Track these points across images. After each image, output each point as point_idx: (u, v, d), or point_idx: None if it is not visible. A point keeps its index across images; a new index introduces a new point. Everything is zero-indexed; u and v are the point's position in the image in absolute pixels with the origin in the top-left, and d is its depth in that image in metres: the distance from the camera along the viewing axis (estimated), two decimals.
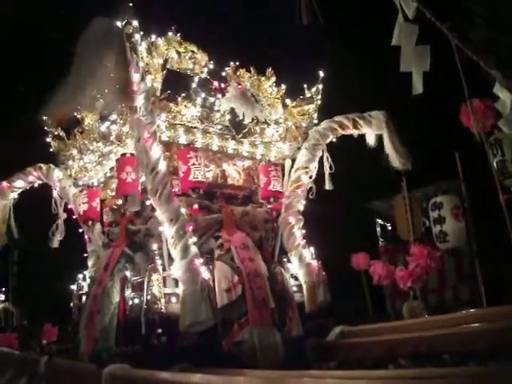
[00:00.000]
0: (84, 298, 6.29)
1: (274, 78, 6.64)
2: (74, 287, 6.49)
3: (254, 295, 5.25)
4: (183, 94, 5.65)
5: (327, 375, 4.17)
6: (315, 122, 6.59)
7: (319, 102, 6.63)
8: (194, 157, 5.51)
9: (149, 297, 5.02)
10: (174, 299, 5.04)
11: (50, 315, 10.54)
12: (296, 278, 5.97)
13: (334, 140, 6.42)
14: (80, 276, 6.53)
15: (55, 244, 6.86)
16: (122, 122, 5.74)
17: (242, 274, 5.32)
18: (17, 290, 12.07)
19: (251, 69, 6.71)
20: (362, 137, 6.35)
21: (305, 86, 6.64)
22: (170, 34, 6.28)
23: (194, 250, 5.09)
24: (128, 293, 5.36)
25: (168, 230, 5.14)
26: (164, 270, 5.15)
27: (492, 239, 8.78)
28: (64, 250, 7.04)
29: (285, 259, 6.04)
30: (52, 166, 6.78)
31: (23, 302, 12.23)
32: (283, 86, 6.62)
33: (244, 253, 5.52)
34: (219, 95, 6.01)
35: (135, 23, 5.45)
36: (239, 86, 6.10)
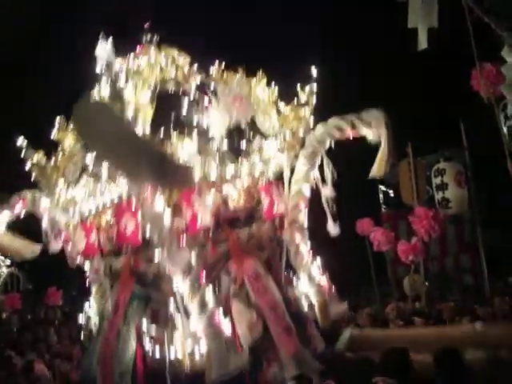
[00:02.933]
0: (94, 330, 6.03)
1: (264, 80, 6.02)
2: (82, 318, 6.18)
3: (275, 329, 5.11)
4: (175, 133, 5.06)
5: None
6: (311, 125, 6.09)
7: (314, 101, 6.07)
8: (198, 199, 5.07)
9: (172, 356, 4.83)
10: (197, 354, 4.84)
11: (55, 279, 10.31)
12: (306, 296, 5.81)
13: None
14: (87, 306, 6.20)
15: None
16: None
17: (260, 310, 5.13)
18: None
19: (239, 69, 6.06)
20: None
21: (298, 86, 6.06)
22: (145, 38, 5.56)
23: (211, 302, 4.83)
24: (147, 344, 5.12)
25: (182, 284, 4.84)
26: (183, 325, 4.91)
27: (495, 207, 8.69)
28: None
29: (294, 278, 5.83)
30: (38, 193, 6.15)
31: (29, 267, 11.92)
32: (276, 88, 6.03)
33: (257, 284, 5.30)
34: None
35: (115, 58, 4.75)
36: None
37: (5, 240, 6.20)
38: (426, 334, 5.74)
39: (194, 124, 5.35)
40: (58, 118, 6.00)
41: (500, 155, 6.31)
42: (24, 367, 6.31)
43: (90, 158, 5.57)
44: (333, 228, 6.05)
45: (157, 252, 5.01)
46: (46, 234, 6.20)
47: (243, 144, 5.55)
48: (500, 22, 5.62)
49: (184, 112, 5.40)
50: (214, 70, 6.07)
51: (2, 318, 9.64)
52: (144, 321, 5.20)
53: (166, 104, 5.42)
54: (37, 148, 6.12)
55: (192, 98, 5.53)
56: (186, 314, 4.92)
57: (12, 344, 7.71)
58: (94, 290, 6.17)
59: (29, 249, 6.19)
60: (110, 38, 4.74)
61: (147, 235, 5.01)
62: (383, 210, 10.03)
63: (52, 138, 6.05)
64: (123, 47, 5.81)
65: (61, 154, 6.03)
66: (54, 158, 6.07)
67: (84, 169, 5.69)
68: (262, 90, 6.03)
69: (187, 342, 4.85)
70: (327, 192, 5.92)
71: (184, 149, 5.10)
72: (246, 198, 5.92)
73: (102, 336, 5.47)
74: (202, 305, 4.78)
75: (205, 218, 5.05)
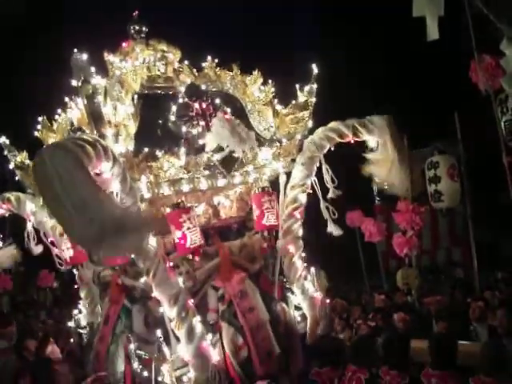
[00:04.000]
0: (84, 336, 5.87)
1: (260, 80, 5.53)
2: (71, 324, 6.00)
3: (259, 352, 4.93)
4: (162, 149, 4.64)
5: None
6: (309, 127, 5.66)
7: (314, 101, 5.60)
8: (188, 220, 4.72)
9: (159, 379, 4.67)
10: (185, 379, 4.66)
11: (47, 261, 10.18)
12: (299, 308, 5.59)
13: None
14: (75, 311, 6.01)
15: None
16: None
17: (245, 333, 4.93)
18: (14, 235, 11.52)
19: (233, 67, 5.56)
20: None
21: (296, 86, 5.58)
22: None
23: (199, 330, 4.60)
24: (135, 365, 4.95)
25: (169, 311, 4.59)
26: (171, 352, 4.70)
27: (488, 202, 8.46)
28: None
29: (288, 292, 5.58)
30: (22, 195, 5.82)
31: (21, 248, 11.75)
32: (272, 89, 5.54)
33: (243, 303, 5.07)
34: (200, 128, 4.96)
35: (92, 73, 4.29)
36: (226, 117, 5.01)
37: None
38: None
39: (183, 134, 4.90)
40: (40, 117, 5.55)
41: (495, 149, 6.02)
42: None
43: None
44: (334, 230, 5.75)
45: (143, 278, 4.73)
46: (27, 237, 5.94)
47: (236, 156, 5.09)
48: (499, 14, 5.26)
49: (172, 118, 4.95)
50: (206, 65, 5.58)
51: None
52: (131, 346, 4.99)
53: (153, 110, 4.97)
54: (20, 147, 5.73)
55: (182, 101, 5.04)
56: (175, 338, 4.69)
57: None
58: (82, 294, 5.95)
59: (9, 257, 5.93)
60: (85, 55, 4.20)
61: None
62: (377, 202, 9.74)
63: (35, 136, 5.61)
64: (107, 46, 5.33)
65: None
66: None
67: None
68: (258, 89, 5.56)
69: (175, 367, 4.66)
70: (331, 195, 5.60)
71: (171, 164, 4.70)
72: (238, 206, 5.59)
73: (93, 349, 5.30)
74: (190, 333, 4.54)
75: (194, 240, 4.72)
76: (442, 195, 7.69)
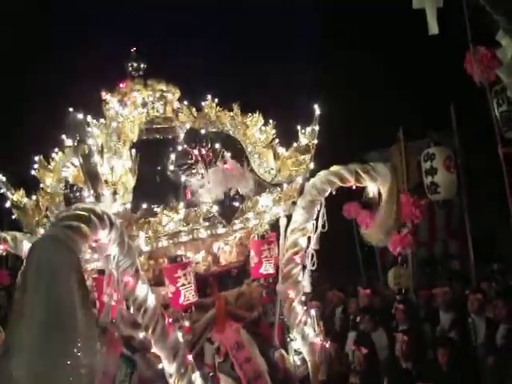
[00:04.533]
0: None
1: (261, 121, 5.39)
2: None
3: None
4: (161, 206, 4.51)
5: None
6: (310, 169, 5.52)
7: (315, 143, 5.46)
8: (183, 276, 4.60)
9: None
10: None
11: None
12: (299, 353, 5.52)
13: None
14: None
15: None
16: None
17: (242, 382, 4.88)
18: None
19: (234, 107, 5.41)
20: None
21: (298, 127, 5.44)
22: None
23: None
24: None
25: (168, 367, 4.51)
26: None
27: (484, 193, 8.43)
28: None
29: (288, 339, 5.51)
30: (18, 234, 5.69)
31: None
32: (273, 130, 5.40)
33: (239, 355, 5.02)
34: (200, 177, 4.83)
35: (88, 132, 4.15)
36: (226, 166, 4.88)
37: None
38: None
39: (182, 183, 4.78)
40: (36, 157, 5.42)
41: (491, 140, 6.00)
42: None
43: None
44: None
45: (142, 334, 4.63)
46: None
47: (236, 205, 4.97)
48: (496, 5, 5.15)
49: (171, 167, 4.82)
50: (206, 105, 5.43)
51: None
52: None
53: (151, 158, 4.84)
54: (17, 186, 5.61)
55: (181, 149, 4.90)
56: None
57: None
58: None
59: None
60: (81, 114, 4.05)
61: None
62: None
63: (32, 175, 5.48)
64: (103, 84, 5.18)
65: (42, 193, 5.50)
66: (34, 198, 5.56)
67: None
68: (259, 130, 5.41)
69: None
70: (314, 244, 5.51)
71: (170, 219, 4.58)
72: (238, 251, 5.48)
73: None
74: None
75: (189, 296, 4.62)
76: (438, 187, 7.70)
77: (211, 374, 4.88)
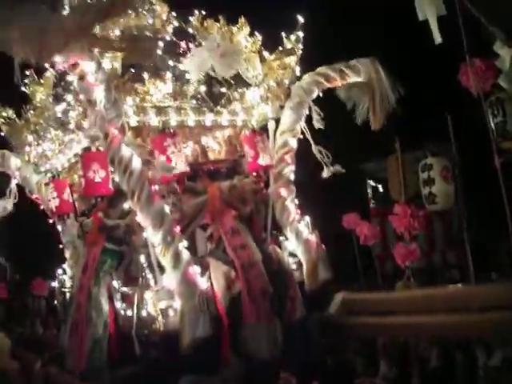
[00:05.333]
0: (67, 295, 5.51)
1: (247, 29, 5.48)
2: (55, 284, 5.66)
3: (250, 288, 4.58)
4: (149, 72, 4.52)
5: None
6: (297, 75, 5.57)
7: (300, 52, 5.55)
8: (172, 144, 4.51)
9: (143, 314, 4.30)
10: (171, 313, 4.30)
11: (41, 270, 9.86)
12: (294, 255, 5.27)
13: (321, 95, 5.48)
14: (60, 271, 5.68)
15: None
16: (80, 108, 4.62)
17: (236, 267, 4.62)
18: (9, 244, 11.31)
19: (220, 18, 5.52)
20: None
21: (283, 34, 5.54)
22: None
23: (186, 256, 4.30)
24: (118, 304, 4.60)
25: (153, 237, 4.30)
26: (156, 281, 4.38)
27: (482, 203, 8.38)
28: None
29: (281, 237, 5.29)
30: (7, 152, 5.64)
31: (16, 257, 11.49)
32: (259, 37, 5.50)
33: (234, 240, 4.76)
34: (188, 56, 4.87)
35: None
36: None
37: None
38: (422, 295, 5.21)
39: (170, 66, 4.79)
40: (28, 71, 5.46)
41: (487, 150, 5.91)
42: None
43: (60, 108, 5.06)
44: (333, 169, 5.50)
45: (127, 203, 4.48)
46: (9, 194, 5.70)
47: (223, 91, 4.97)
48: (490, 17, 5.31)
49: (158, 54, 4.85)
50: (193, 18, 5.55)
51: None
52: (115, 279, 4.67)
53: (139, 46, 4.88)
54: (6, 103, 5.62)
55: (169, 40, 4.97)
56: (159, 269, 4.38)
57: None
58: (68, 255, 5.65)
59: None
60: None
61: (117, 184, 4.48)
62: (372, 205, 9.62)
63: (22, 91, 5.50)
64: None
65: (31, 108, 5.51)
66: (24, 114, 5.56)
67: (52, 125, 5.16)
68: (245, 38, 5.51)
69: (160, 300, 4.31)
70: (317, 125, 5.39)
71: (157, 89, 4.56)
72: (227, 150, 5.41)
73: (73, 303, 4.94)
74: (176, 259, 4.24)
75: (179, 165, 4.50)
76: (436, 197, 7.56)
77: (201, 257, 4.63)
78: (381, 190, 10.69)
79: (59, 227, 5.59)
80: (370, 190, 10.69)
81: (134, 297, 4.42)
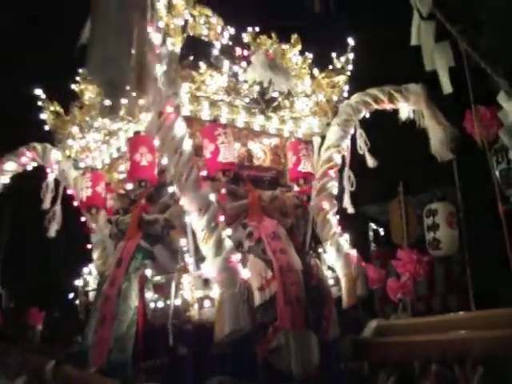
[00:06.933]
0: (91, 295, 5.20)
1: (299, 46, 5.55)
2: (79, 283, 5.36)
3: (286, 292, 4.24)
4: (207, 62, 4.52)
5: None
6: (345, 95, 5.57)
7: (349, 73, 5.59)
8: (223, 134, 4.42)
9: (178, 302, 4.00)
10: (207, 303, 3.99)
11: (38, 299, 9.51)
12: (333, 270, 4.99)
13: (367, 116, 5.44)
14: (85, 270, 5.40)
15: (52, 233, 5.67)
16: (135, 94, 4.58)
17: (274, 268, 4.33)
18: (5, 272, 10.96)
19: (272, 35, 5.62)
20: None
21: (333, 55, 5.60)
22: None
23: (228, 244, 4.05)
24: (149, 295, 4.30)
25: (197, 222, 4.08)
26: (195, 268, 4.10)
27: (485, 250, 8.19)
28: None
29: (320, 249, 5.03)
30: (48, 145, 5.57)
31: (12, 285, 11.11)
32: (310, 55, 5.55)
33: (275, 244, 4.48)
34: (244, 63, 4.91)
35: None
36: (268, 53, 4.97)
37: None
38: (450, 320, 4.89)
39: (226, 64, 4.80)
40: (80, 69, 5.51)
41: (492, 197, 5.82)
42: None
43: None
44: (349, 205, 5.37)
45: (171, 188, 4.30)
46: (46, 188, 5.55)
47: (275, 96, 4.94)
48: (496, 67, 5.40)
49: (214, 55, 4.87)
50: (247, 34, 5.65)
51: None
52: (148, 271, 4.39)
53: (195, 43, 4.91)
54: (53, 99, 5.63)
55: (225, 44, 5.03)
56: (199, 257, 4.11)
57: None
58: (96, 255, 5.40)
59: None
60: None
61: (164, 166, 4.33)
62: (373, 247, 9.38)
63: (72, 89, 5.52)
64: None
65: (79, 106, 5.49)
66: (71, 110, 5.55)
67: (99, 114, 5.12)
68: (296, 55, 5.56)
69: (197, 288, 4.01)
70: (370, 162, 5.32)
71: (213, 81, 4.53)
72: (272, 159, 5.29)
73: (101, 295, 4.64)
74: (218, 246, 3.99)
75: (228, 156, 4.37)
76: (440, 243, 7.36)
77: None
78: (382, 232, 10.51)
79: (90, 226, 5.38)
80: (371, 233, 10.49)
81: (169, 285, 4.12)
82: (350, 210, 5.43)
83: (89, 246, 5.45)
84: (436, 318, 5.30)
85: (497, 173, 6.11)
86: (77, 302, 5.30)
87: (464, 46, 5.68)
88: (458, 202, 7.43)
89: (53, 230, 5.59)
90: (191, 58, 4.45)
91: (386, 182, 7.54)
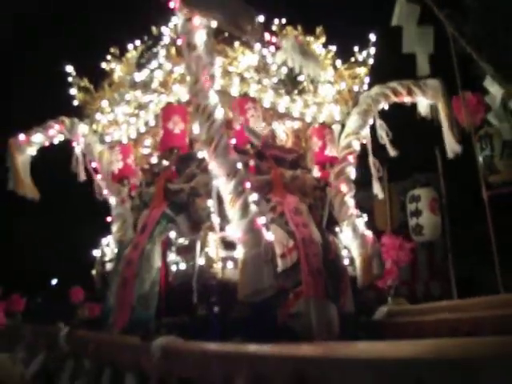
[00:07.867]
0: (108, 265, 5.27)
1: (323, 38, 5.76)
2: (97, 253, 5.42)
3: (309, 262, 4.35)
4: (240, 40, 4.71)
5: None
6: (365, 87, 5.76)
7: (370, 66, 5.79)
8: (253, 108, 4.59)
9: (202, 261, 4.09)
10: (230, 264, 4.08)
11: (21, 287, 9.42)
12: (348, 250, 5.09)
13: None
14: (104, 241, 5.48)
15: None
16: (171, 65, 4.75)
17: (296, 239, 4.44)
18: None
19: (298, 27, 5.83)
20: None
21: (356, 48, 5.81)
22: None
23: (254, 208, 4.16)
24: (172, 257, 4.39)
25: (225, 186, 4.20)
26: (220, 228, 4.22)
27: (468, 236, 8.25)
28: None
29: (337, 229, 5.15)
30: (76, 119, 5.70)
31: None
32: (333, 48, 5.76)
33: (297, 218, 4.60)
34: (272, 48, 5.10)
35: None
36: (298, 38, 5.18)
37: (21, 171, 5.60)
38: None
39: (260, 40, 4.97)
40: (111, 48, 5.69)
41: (475, 183, 5.99)
42: None
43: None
44: (379, 191, 5.54)
45: (201, 153, 4.44)
46: (76, 162, 5.66)
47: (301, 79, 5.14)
48: (481, 52, 5.60)
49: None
50: (274, 26, 5.86)
51: None
52: (172, 234, 4.49)
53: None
54: (83, 75, 5.79)
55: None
56: (224, 219, 4.22)
57: None
58: (115, 228, 5.48)
59: (32, 191, 5.58)
60: None
61: (195, 134, 4.47)
62: None
63: (103, 68, 5.68)
64: None
65: (109, 84, 5.65)
66: (100, 88, 5.70)
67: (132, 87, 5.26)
68: (320, 46, 5.77)
69: (221, 248, 4.11)
70: (391, 151, 5.48)
71: (245, 58, 4.71)
72: (293, 142, 5.45)
73: (123, 259, 4.72)
74: (244, 209, 4.10)
75: (256, 126, 4.53)
76: (423, 229, 7.49)
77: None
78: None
79: (111, 200, 5.49)
80: None
81: (192, 247, 4.22)
82: (381, 195, 5.59)
83: (109, 219, 5.54)
84: (447, 302, 5.42)
85: (480, 159, 6.19)
86: (93, 271, 5.35)
87: (451, 31, 5.86)
88: (440, 188, 7.54)
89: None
90: (226, 33, 4.62)
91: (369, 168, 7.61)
